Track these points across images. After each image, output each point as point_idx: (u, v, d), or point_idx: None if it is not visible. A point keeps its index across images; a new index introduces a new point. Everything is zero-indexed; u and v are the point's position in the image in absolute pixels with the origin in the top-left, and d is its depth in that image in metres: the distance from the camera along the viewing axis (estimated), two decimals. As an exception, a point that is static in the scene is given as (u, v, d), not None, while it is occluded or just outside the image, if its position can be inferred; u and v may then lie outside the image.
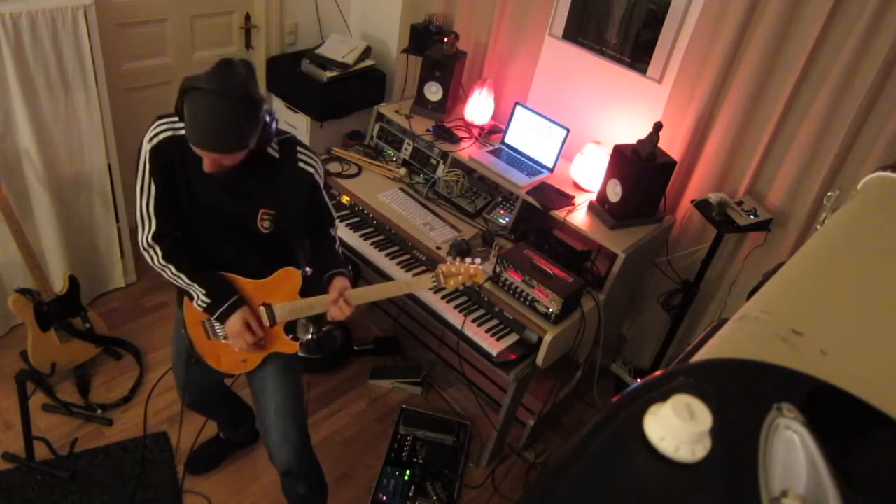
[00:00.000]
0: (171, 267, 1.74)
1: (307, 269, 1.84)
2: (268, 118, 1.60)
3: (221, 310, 1.75)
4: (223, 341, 1.90)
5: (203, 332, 1.92)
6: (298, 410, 1.99)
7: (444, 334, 2.96)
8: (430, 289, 1.83)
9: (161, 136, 1.67)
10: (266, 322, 1.82)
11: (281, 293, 1.82)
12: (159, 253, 1.73)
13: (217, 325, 1.86)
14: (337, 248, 1.96)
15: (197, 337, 1.95)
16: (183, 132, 1.66)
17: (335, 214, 1.99)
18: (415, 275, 2.61)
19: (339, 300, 1.78)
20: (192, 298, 1.78)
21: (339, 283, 1.83)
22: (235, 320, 1.75)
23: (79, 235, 2.95)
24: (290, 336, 1.89)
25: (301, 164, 1.78)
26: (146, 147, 1.67)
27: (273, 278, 1.80)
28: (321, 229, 1.94)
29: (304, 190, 1.81)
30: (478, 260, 1.85)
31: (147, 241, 1.73)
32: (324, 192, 1.90)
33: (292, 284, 1.81)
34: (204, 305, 1.76)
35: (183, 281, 1.75)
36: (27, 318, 2.56)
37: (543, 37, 2.94)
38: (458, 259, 1.85)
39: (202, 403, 2.30)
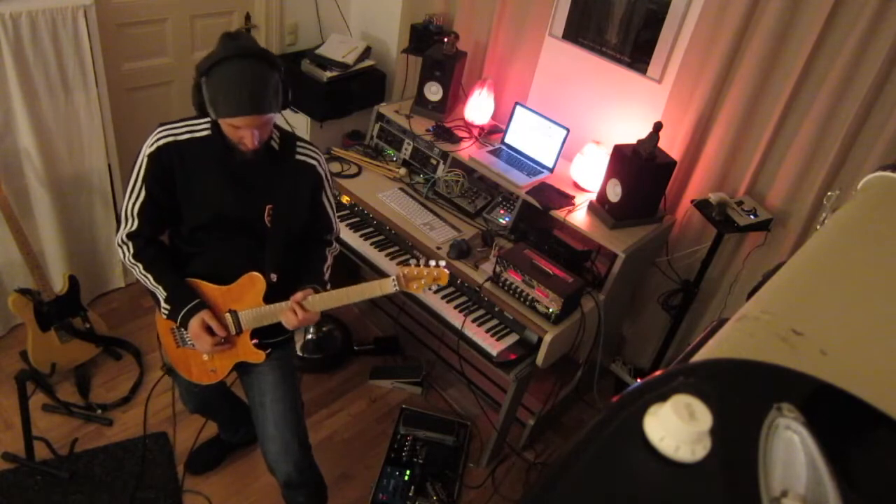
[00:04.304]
0: (140, 265, 1.75)
1: (273, 275, 1.79)
2: (283, 81, 1.60)
3: (182, 314, 1.74)
4: (192, 349, 1.89)
5: (173, 340, 1.91)
6: (297, 421, 1.97)
7: (444, 334, 2.96)
8: (394, 292, 1.78)
9: (160, 143, 1.66)
10: (232, 329, 1.80)
11: (246, 299, 1.79)
12: (131, 250, 1.74)
13: (185, 333, 1.85)
14: (325, 267, 1.90)
15: (168, 345, 1.95)
16: (183, 137, 1.67)
17: (335, 225, 1.95)
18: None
19: (295, 306, 1.72)
20: (158, 305, 1.77)
21: (302, 292, 1.76)
22: (195, 322, 1.74)
23: (79, 235, 2.95)
24: (255, 343, 1.85)
25: (300, 157, 1.77)
26: (145, 151, 1.67)
27: (238, 284, 1.78)
28: (315, 234, 1.91)
29: (306, 183, 1.80)
30: (442, 262, 1.78)
31: (123, 238, 1.75)
32: (328, 194, 1.88)
33: (256, 290, 1.77)
34: (166, 312, 1.76)
35: (149, 282, 1.75)
36: (27, 318, 2.56)
37: (543, 37, 2.94)
38: (423, 261, 1.78)
39: (205, 407, 2.30)
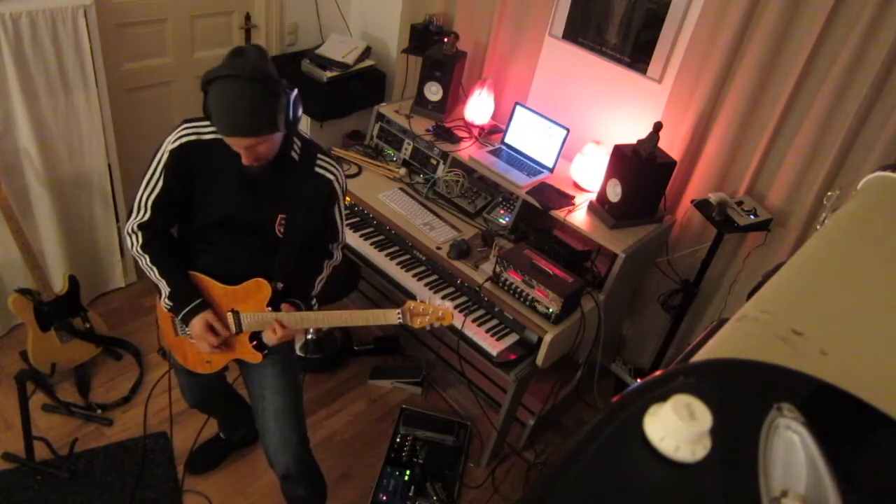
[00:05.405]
0: (147, 257, 1.75)
1: (280, 284, 1.80)
2: (290, 100, 1.59)
3: (184, 312, 1.75)
4: (189, 339, 1.90)
5: (172, 328, 1.93)
6: (297, 414, 1.98)
7: (444, 334, 2.96)
8: (397, 324, 1.81)
9: (183, 140, 1.67)
10: (232, 329, 1.81)
11: (250, 302, 1.80)
12: (140, 241, 1.74)
13: (185, 326, 1.86)
14: (318, 280, 1.90)
15: (166, 330, 1.96)
16: (207, 137, 1.67)
17: (341, 237, 1.95)
18: (414, 276, 2.61)
19: (275, 324, 1.75)
20: (160, 296, 1.79)
21: (287, 307, 1.80)
22: (198, 323, 1.75)
23: (79, 235, 2.95)
24: (255, 345, 1.86)
25: (318, 170, 1.77)
26: (167, 146, 1.67)
27: (244, 287, 1.78)
28: (319, 241, 1.91)
29: (320, 196, 1.79)
30: (448, 303, 1.81)
31: (133, 227, 1.74)
32: (340, 208, 1.88)
33: (262, 296, 1.78)
34: (167, 307, 1.78)
35: (154, 274, 1.76)
36: (27, 318, 2.56)
37: (543, 37, 2.95)
38: (430, 298, 1.81)
39: (205, 401, 2.30)
